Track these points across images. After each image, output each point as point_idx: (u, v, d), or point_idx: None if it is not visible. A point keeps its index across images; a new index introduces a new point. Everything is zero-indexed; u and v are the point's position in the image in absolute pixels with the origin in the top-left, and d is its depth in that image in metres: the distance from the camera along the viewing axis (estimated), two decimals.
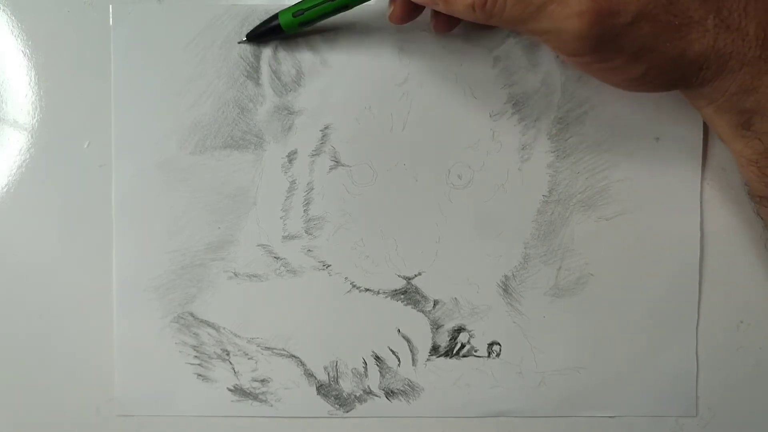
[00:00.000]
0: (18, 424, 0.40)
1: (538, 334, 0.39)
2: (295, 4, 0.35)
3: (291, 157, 0.38)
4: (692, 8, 0.29)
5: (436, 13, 0.35)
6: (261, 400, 0.39)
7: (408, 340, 0.39)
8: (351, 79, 0.38)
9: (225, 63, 0.38)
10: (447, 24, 0.36)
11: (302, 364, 0.39)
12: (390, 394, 0.39)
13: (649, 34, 0.29)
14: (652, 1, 0.29)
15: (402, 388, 0.39)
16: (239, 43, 0.37)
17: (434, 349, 0.39)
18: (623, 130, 0.38)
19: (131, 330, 0.39)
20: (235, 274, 0.39)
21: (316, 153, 0.38)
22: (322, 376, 0.39)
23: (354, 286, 0.39)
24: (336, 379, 0.39)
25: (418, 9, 0.34)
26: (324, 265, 0.39)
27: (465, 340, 0.39)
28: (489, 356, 0.39)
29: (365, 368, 0.39)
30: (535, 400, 0.39)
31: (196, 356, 0.39)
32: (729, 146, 0.33)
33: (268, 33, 0.36)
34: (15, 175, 0.39)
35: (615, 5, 0.28)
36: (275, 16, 0.36)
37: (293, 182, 0.38)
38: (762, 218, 0.36)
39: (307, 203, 0.38)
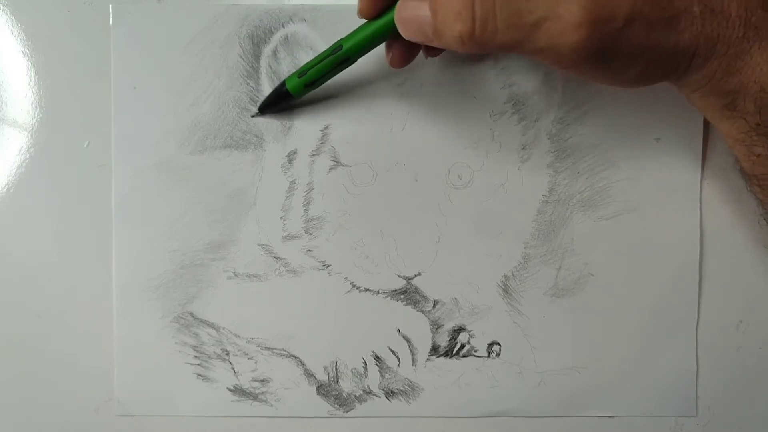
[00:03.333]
0: (18, 424, 0.40)
1: (538, 334, 0.39)
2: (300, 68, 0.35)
3: (291, 157, 0.38)
4: None
5: (426, 47, 0.35)
6: (261, 400, 0.39)
7: (408, 340, 0.39)
8: (351, 80, 0.38)
9: (225, 63, 0.38)
10: (435, 53, 0.36)
11: (302, 364, 0.39)
12: (390, 394, 0.39)
13: (642, 33, 0.29)
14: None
15: (402, 388, 0.39)
16: (252, 116, 0.38)
17: (434, 349, 0.39)
18: (623, 130, 0.38)
19: (131, 330, 0.39)
20: (235, 274, 0.39)
21: (316, 153, 0.38)
22: (322, 376, 0.39)
23: (354, 286, 0.39)
24: (336, 379, 0.39)
25: (415, 49, 0.35)
26: (324, 265, 0.39)
27: (465, 340, 0.39)
28: (489, 356, 0.39)
29: (365, 368, 0.39)
30: (534, 400, 0.39)
31: (196, 356, 0.39)
32: (717, 127, 0.34)
33: (277, 100, 0.37)
34: (15, 175, 0.39)
35: (607, 11, 0.28)
36: (283, 84, 0.36)
37: (293, 182, 0.38)
38: (754, 195, 0.36)
39: (307, 203, 0.38)
